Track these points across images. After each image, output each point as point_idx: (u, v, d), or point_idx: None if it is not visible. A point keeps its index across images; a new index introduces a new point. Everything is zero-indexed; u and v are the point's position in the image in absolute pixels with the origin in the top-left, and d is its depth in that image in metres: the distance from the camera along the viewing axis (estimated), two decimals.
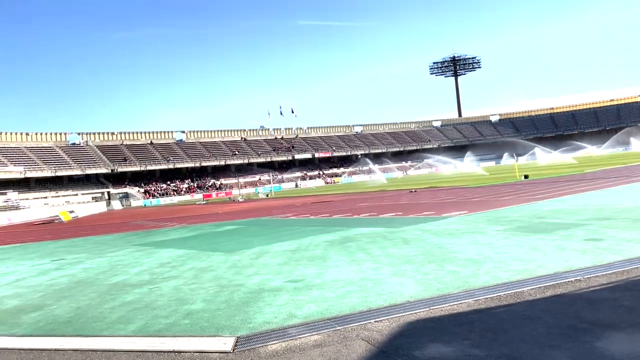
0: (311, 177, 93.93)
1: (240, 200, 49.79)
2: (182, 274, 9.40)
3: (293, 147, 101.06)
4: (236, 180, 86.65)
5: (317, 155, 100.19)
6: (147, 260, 11.71)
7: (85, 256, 13.75)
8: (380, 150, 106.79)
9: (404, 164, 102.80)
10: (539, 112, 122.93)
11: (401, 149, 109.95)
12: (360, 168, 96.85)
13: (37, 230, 30.98)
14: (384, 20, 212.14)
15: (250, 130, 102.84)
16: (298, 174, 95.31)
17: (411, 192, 31.76)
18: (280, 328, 5.39)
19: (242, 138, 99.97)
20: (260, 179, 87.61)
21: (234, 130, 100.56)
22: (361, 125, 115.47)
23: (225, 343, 5.13)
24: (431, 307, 5.59)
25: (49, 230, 30.31)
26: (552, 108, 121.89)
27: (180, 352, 5.00)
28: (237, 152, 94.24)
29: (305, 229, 15.23)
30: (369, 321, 5.32)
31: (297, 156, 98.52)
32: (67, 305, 7.61)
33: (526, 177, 33.88)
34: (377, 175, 78.60)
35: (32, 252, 16.45)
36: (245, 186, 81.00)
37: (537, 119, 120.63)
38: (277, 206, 31.52)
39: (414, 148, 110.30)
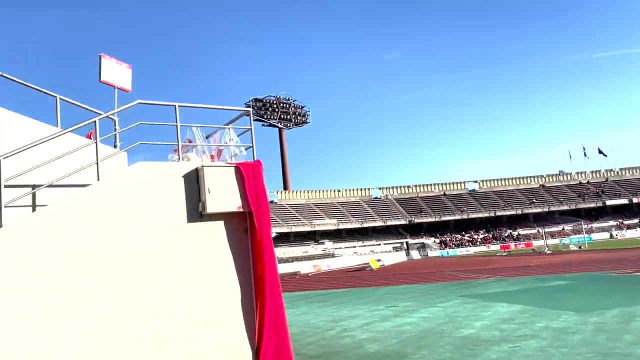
0: (629, 227, 79.63)
1: (548, 252, 45.27)
2: (538, 333, 8.38)
3: (603, 192, 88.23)
4: (535, 231, 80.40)
5: (635, 200, 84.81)
6: (485, 314, 11.07)
7: (416, 304, 14.01)
8: None
9: None
10: None
11: None
12: None
13: (356, 277, 34.21)
14: None
15: (548, 175, 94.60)
16: (611, 222, 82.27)
17: None
18: None
19: (540, 185, 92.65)
20: (563, 229, 79.01)
21: (531, 177, 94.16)
22: None
23: None
24: None
25: (365, 277, 33.09)
26: None
27: None
28: (535, 200, 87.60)
29: None
30: None
31: (609, 202, 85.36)
32: (429, 356, 7.51)
33: None
34: None
35: (363, 297, 17.83)
36: (547, 237, 73.92)
37: None
38: (603, 260, 27.16)
39: None
